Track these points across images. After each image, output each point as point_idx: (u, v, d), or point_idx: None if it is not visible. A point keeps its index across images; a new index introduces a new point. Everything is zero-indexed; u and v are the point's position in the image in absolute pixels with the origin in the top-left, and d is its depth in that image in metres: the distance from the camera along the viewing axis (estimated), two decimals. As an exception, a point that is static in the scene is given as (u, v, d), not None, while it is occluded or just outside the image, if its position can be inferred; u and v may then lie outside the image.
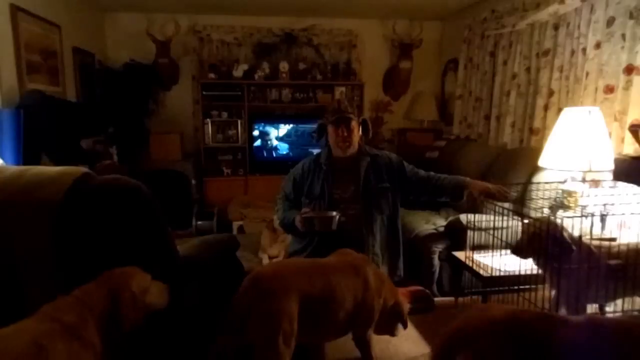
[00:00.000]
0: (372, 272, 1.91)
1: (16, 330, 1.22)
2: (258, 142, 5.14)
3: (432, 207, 3.61)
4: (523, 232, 2.02)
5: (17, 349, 1.16)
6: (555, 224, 1.87)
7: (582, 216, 1.96)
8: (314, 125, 2.54)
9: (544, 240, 1.85)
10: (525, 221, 2.04)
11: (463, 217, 2.82)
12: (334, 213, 2.19)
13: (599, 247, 1.92)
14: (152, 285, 1.41)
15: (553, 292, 1.98)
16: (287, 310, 1.61)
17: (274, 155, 5.21)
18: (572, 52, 3.03)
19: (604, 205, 2.10)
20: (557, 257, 1.83)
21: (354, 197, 2.35)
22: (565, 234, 1.85)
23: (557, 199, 2.30)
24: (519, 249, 1.98)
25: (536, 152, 2.72)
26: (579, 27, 2.95)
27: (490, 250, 2.36)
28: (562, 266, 1.82)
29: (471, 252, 2.42)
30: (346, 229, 2.21)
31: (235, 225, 4.59)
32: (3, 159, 2.48)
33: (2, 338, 1.19)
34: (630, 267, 1.84)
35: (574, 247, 1.81)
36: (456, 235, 2.86)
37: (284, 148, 5.23)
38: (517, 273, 2.20)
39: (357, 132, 2.38)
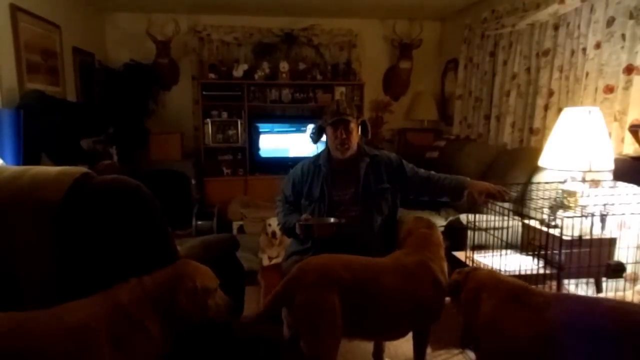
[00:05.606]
0: (439, 268, 1.87)
1: (68, 309, 1.23)
2: (258, 142, 5.13)
3: (432, 207, 3.61)
4: None
5: (65, 328, 1.18)
6: None
7: (582, 216, 1.96)
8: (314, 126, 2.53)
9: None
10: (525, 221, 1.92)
11: (463, 217, 2.82)
12: (332, 220, 2.19)
13: None
14: (218, 292, 1.43)
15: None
16: (327, 302, 1.65)
17: (274, 155, 5.21)
18: (572, 52, 3.03)
19: (604, 205, 2.10)
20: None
21: (354, 198, 2.33)
22: None
23: (557, 199, 2.30)
24: None
25: (536, 152, 2.72)
26: (579, 27, 2.95)
27: (490, 250, 2.37)
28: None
29: (471, 252, 2.42)
30: (346, 231, 2.21)
31: (235, 225, 4.60)
32: (3, 159, 2.48)
33: (52, 316, 1.21)
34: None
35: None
36: (456, 235, 2.86)
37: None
38: (517, 273, 2.20)
39: (356, 134, 2.36)
